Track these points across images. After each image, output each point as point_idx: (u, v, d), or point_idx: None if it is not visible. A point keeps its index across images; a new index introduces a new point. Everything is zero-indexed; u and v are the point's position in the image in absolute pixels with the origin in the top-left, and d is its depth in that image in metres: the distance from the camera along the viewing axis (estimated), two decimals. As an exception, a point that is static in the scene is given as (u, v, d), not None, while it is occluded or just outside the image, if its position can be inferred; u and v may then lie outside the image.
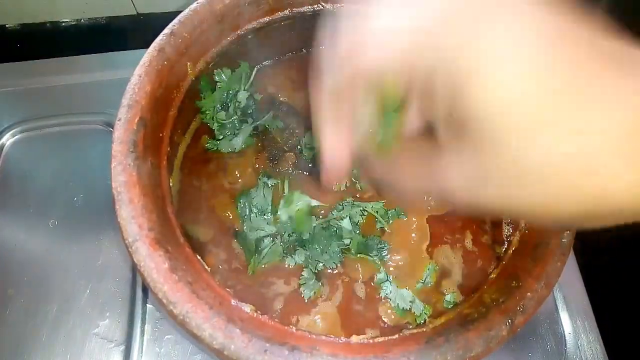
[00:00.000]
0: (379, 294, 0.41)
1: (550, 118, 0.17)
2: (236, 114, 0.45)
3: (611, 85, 0.17)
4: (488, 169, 0.19)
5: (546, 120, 0.17)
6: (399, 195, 0.26)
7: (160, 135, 0.39)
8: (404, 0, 0.21)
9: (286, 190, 0.44)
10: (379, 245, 0.43)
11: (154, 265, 0.33)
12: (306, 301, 0.41)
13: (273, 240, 0.42)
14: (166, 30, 0.40)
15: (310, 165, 0.46)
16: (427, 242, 0.44)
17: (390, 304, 0.41)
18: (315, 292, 0.41)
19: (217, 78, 0.44)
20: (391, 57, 0.21)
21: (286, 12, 0.44)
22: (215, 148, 0.45)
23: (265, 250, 0.42)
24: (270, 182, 0.44)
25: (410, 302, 0.40)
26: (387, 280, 0.42)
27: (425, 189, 0.23)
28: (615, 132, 0.17)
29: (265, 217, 0.43)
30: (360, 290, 0.42)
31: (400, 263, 0.43)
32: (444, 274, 0.43)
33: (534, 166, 0.18)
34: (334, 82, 0.24)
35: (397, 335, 0.35)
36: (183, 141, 0.45)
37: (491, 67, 0.18)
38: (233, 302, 0.35)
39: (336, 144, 0.27)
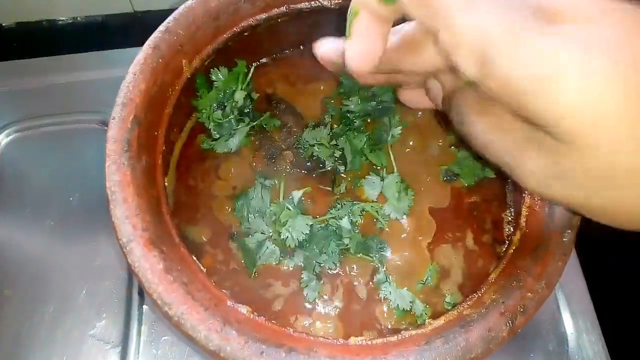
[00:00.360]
0: (379, 294, 0.41)
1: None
2: (233, 114, 0.45)
3: None
4: (569, 168, 0.19)
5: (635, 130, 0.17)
6: (477, 146, 0.25)
7: (155, 134, 0.39)
8: None
9: (282, 191, 0.43)
10: (379, 245, 0.42)
11: (149, 266, 0.32)
12: (310, 303, 0.41)
13: (271, 242, 0.42)
14: (161, 28, 0.39)
15: (308, 163, 0.46)
16: (428, 241, 0.43)
17: (389, 305, 0.41)
18: (318, 293, 0.41)
19: (213, 77, 0.44)
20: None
21: (283, 8, 0.44)
22: (211, 148, 0.45)
23: (263, 251, 0.41)
24: (267, 182, 0.44)
25: (410, 302, 0.40)
26: (387, 280, 0.41)
27: (502, 158, 0.23)
28: None
29: (263, 218, 0.42)
30: (360, 290, 0.42)
31: (400, 263, 0.43)
32: (444, 274, 0.42)
33: (620, 172, 0.18)
34: None
35: (396, 337, 0.34)
36: (179, 140, 0.45)
37: (577, 74, 0.17)
38: (229, 303, 0.34)
39: (371, 29, 0.24)
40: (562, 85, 0.17)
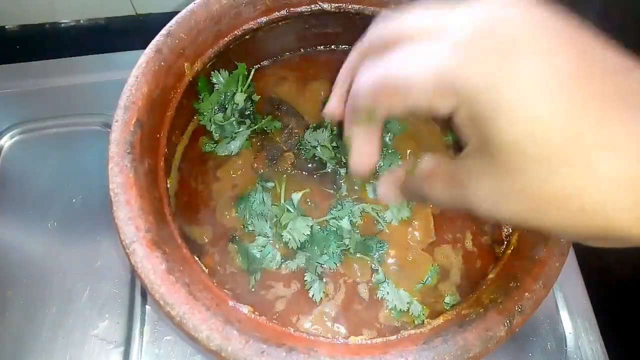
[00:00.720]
0: (377, 294, 0.41)
1: (568, 154, 0.19)
2: (234, 116, 0.45)
3: (624, 132, 0.19)
4: (508, 191, 0.21)
5: (564, 156, 0.19)
6: (427, 202, 0.28)
7: (158, 136, 0.39)
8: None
9: (283, 193, 0.44)
10: (378, 245, 0.43)
11: (151, 266, 0.32)
12: (317, 303, 0.41)
13: (272, 247, 0.42)
14: (163, 31, 0.39)
15: (309, 164, 0.46)
16: (427, 242, 0.44)
17: (388, 305, 0.41)
18: (323, 292, 0.41)
19: (214, 80, 0.44)
20: (426, 78, 0.22)
21: (283, 12, 0.44)
22: (212, 151, 0.45)
23: (264, 256, 0.41)
24: (269, 185, 0.44)
25: (407, 303, 0.40)
26: (385, 281, 0.42)
27: (450, 201, 0.26)
28: (621, 179, 0.19)
29: (266, 221, 0.43)
30: (360, 291, 0.42)
31: (399, 264, 0.43)
32: (443, 274, 0.43)
33: (550, 194, 0.20)
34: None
35: (395, 336, 0.35)
36: (181, 142, 0.45)
37: (518, 106, 0.20)
38: (231, 303, 0.35)
39: (367, 142, 0.28)
40: (513, 118, 0.20)
